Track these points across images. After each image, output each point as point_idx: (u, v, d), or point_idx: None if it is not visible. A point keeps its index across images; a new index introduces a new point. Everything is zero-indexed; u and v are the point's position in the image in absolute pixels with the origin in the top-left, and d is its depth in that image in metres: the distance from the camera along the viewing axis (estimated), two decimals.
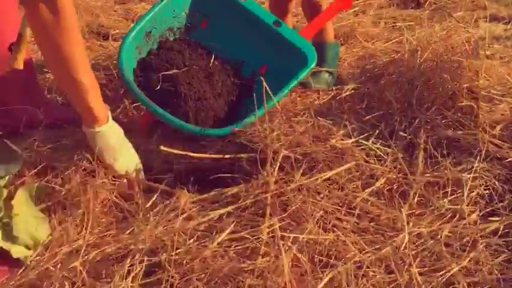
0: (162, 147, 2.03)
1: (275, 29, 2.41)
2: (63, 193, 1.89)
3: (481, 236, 1.73)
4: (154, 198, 1.91)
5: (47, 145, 2.17)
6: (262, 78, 2.08)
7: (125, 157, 2.02)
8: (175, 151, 2.03)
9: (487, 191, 1.92)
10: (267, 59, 2.47)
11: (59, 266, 1.61)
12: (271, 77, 2.31)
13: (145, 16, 2.39)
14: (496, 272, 1.62)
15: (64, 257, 1.67)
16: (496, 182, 1.93)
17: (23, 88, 2.39)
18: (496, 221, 1.80)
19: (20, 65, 1.98)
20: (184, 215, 1.76)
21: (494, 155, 2.02)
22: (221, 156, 2.07)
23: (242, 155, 2.04)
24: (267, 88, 2.01)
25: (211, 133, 2.21)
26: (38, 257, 1.70)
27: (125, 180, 2.02)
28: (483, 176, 1.95)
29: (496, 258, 1.67)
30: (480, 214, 1.84)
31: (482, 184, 1.94)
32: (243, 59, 2.50)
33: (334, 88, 2.73)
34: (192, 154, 2.06)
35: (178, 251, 1.61)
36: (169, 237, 1.64)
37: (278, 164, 1.90)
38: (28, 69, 2.36)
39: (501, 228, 1.77)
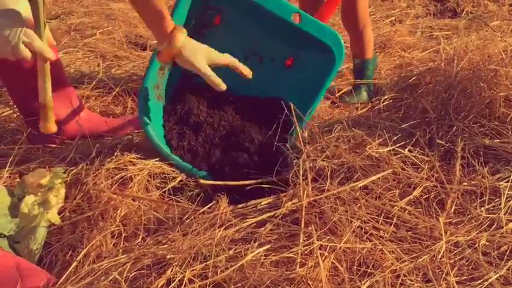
0: (201, 181, 2.06)
1: (294, 24, 2.22)
2: (99, 203, 1.94)
3: None
4: (191, 208, 1.94)
5: (82, 156, 2.22)
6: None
7: None
8: (215, 182, 2.07)
9: None
10: (291, 52, 2.36)
11: (100, 278, 1.63)
12: (298, 72, 2.33)
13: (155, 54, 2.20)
14: None
15: (104, 268, 1.68)
16: None
17: (61, 100, 2.41)
18: None
19: (51, 130, 2.01)
20: (223, 224, 1.79)
21: None
22: (259, 181, 2.05)
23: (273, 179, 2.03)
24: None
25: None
26: (78, 269, 1.72)
27: None
28: None
29: None
30: None
31: None
32: (265, 55, 2.39)
33: (373, 100, 2.76)
34: (231, 183, 2.06)
35: (216, 259, 1.62)
36: (207, 247, 1.66)
37: (313, 173, 1.91)
38: (64, 82, 2.42)
39: None
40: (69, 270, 1.69)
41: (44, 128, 1.99)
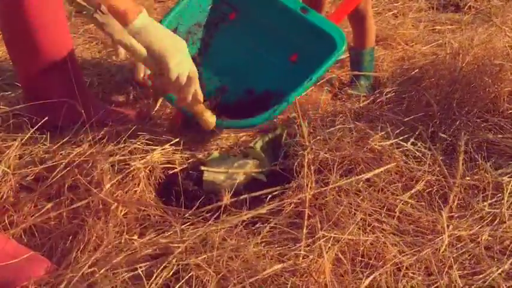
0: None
1: (302, 15, 2.34)
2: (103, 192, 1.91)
3: None
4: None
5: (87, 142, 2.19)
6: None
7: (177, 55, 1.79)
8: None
9: None
10: (297, 47, 2.41)
11: (101, 266, 1.62)
12: (303, 65, 2.33)
13: (170, 12, 2.33)
14: None
15: (104, 256, 1.67)
16: None
17: (65, 83, 2.33)
18: None
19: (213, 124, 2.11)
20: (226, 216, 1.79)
21: None
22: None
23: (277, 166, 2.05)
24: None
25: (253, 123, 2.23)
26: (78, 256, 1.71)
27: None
28: None
29: None
30: None
31: None
32: (272, 49, 2.44)
33: (375, 92, 2.75)
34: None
35: (220, 250, 1.61)
36: (211, 237, 1.66)
37: (316, 166, 1.91)
38: (72, 64, 2.39)
39: None
40: (69, 258, 1.68)
41: (207, 125, 2.09)
